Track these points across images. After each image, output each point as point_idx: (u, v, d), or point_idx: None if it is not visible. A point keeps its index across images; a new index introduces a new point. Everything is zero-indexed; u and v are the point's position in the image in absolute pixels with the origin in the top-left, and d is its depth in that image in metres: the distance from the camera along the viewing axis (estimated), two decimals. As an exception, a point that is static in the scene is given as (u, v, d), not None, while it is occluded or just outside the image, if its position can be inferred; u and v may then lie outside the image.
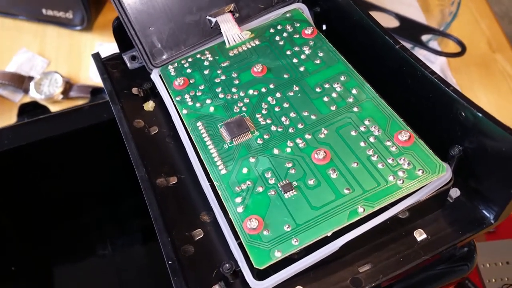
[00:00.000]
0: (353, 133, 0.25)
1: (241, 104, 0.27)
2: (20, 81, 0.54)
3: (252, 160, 0.25)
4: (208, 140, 0.26)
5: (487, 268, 0.42)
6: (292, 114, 0.26)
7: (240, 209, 0.23)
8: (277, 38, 0.30)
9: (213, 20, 0.30)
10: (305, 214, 0.22)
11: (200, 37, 0.31)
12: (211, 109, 0.27)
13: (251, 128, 0.26)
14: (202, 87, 0.28)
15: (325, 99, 0.26)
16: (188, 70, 0.29)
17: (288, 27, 0.30)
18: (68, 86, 0.54)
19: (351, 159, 0.24)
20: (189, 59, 0.30)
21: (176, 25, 0.30)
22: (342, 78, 0.27)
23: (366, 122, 0.25)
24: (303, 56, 0.29)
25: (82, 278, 0.44)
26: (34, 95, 0.53)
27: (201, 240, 0.24)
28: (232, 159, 0.25)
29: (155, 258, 0.42)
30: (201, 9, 0.30)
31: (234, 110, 0.27)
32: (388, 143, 0.24)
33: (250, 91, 0.28)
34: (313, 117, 0.26)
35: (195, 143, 0.26)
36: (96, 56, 0.32)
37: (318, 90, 0.27)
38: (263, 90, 0.27)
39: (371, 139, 0.24)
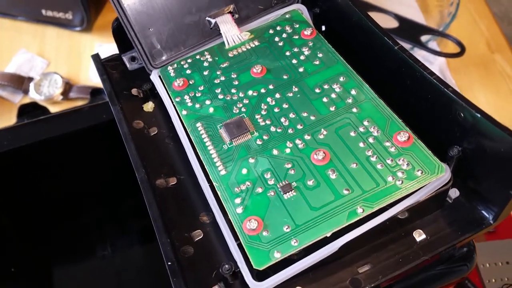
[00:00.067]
0: (352, 133, 0.25)
1: (241, 105, 0.27)
2: (20, 82, 0.54)
3: (251, 160, 0.25)
4: (207, 141, 0.26)
5: (487, 268, 0.42)
6: (291, 115, 0.26)
7: (239, 210, 0.23)
8: (277, 39, 0.30)
9: (213, 21, 0.30)
10: (305, 215, 0.22)
11: (199, 38, 0.31)
12: (211, 110, 0.27)
13: (250, 129, 0.26)
14: (201, 88, 0.28)
15: (324, 99, 0.26)
16: (188, 71, 0.29)
17: (288, 28, 0.30)
18: (68, 87, 0.54)
19: (350, 160, 0.24)
20: (189, 60, 0.30)
21: (175, 26, 0.30)
22: (341, 79, 0.27)
23: (365, 123, 0.25)
24: (302, 57, 0.29)
25: (82, 278, 0.44)
26: (33, 96, 0.53)
27: (200, 241, 0.24)
28: (231, 160, 0.25)
29: (154, 258, 0.42)
30: (200, 10, 0.30)
31: (234, 111, 0.27)
32: (387, 144, 0.24)
33: (250, 92, 0.28)
34: (312, 117, 0.26)
35: (194, 144, 0.26)
36: (96, 57, 0.32)
37: (317, 90, 0.27)
38: (263, 91, 0.28)
39: (370, 140, 0.24)
